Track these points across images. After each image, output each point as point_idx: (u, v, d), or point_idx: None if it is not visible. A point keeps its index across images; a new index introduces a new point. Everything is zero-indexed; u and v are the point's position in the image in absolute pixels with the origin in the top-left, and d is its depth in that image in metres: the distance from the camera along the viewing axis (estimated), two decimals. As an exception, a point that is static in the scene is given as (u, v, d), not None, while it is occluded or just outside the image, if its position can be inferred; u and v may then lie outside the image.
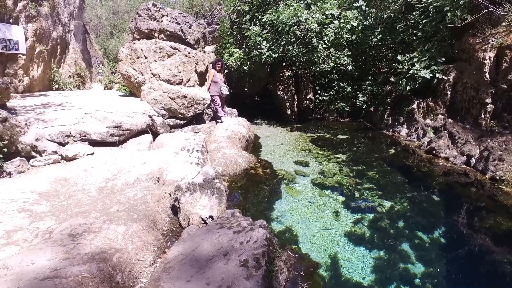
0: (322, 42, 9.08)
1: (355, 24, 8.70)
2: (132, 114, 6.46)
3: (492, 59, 6.74)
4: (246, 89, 11.63)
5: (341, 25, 8.74)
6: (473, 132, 6.50)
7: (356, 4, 9.07)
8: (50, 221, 3.10)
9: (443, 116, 7.82)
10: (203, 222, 3.33)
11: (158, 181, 4.53)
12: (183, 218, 3.53)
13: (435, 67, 7.70)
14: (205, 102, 7.57)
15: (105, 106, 6.77)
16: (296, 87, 11.44)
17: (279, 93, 11.15)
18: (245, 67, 10.13)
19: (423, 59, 7.80)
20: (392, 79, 10.24)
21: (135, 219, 3.18)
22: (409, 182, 5.83)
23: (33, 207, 3.33)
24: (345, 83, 11.10)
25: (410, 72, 7.88)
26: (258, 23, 9.80)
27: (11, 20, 8.76)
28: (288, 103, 11.05)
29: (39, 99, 7.71)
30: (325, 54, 9.56)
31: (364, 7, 9.05)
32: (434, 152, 6.66)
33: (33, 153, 4.96)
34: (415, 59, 7.89)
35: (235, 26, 10.80)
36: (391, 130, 9.05)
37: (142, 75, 7.72)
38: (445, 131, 6.77)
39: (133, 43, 8.17)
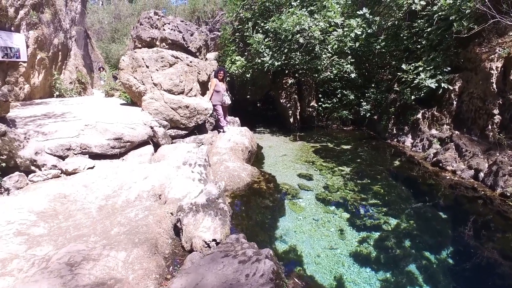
0: (325, 50, 8.97)
1: (359, 33, 8.59)
2: (133, 125, 6.36)
3: (499, 69, 6.63)
4: (248, 96, 11.53)
5: (345, 33, 8.63)
6: (481, 145, 6.38)
7: (360, 12, 8.96)
8: (48, 247, 2.99)
9: (448, 127, 7.70)
10: (206, 245, 3.22)
11: (160, 198, 4.42)
12: (185, 240, 3.41)
13: (441, 76, 7.58)
14: (207, 112, 7.47)
15: (106, 117, 6.68)
16: (299, 95, 11.34)
17: (281, 100, 11.04)
18: (247, 75, 10.03)
19: (428, 68, 7.69)
20: (396, 87, 10.14)
21: (136, 244, 3.07)
22: (415, 196, 5.72)
23: (30, 230, 3.22)
24: (349, 91, 10.99)
25: (415, 81, 7.77)
26: (260, 31, 9.71)
27: (12, 28, 8.71)
28: (291, 111, 10.94)
29: (40, 108, 7.63)
30: (329, 61, 9.46)
31: (368, 15, 8.95)
32: (440, 164, 6.53)
33: (32, 168, 4.85)
34: (420, 68, 7.79)
35: (237, 34, 10.72)
36: (395, 140, 8.93)
37: (144, 84, 7.62)
38: (452, 143, 6.64)
39: (135, 52, 8.08)
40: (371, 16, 8.92)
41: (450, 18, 7.31)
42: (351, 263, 3.68)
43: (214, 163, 5.96)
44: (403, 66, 8.00)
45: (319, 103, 11.62)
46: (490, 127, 6.57)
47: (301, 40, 8.83)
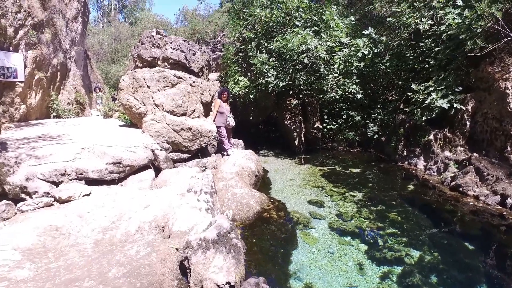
0: (332, 70, 8.76)
1: (366, 52, 8.41)
2: (133, 149, 5.97)
3: (515, 89, 6.39)
4: (251, 117, 11.23)
5: (351, 53, 8.45)
6: (503, 168, 6.02)
7: (366, 32, 8.83)
8: (33, 295, 2.53)
9: (463, 148, 7.38)
10: (218, 290, 2.77)
11: (163, 230, 3.97)
12: (194, 283, 2.96)
13: (452, 97, 7.33)
14: (211, 135, 7.11)
15: (104, 139, 6.29)
16: (303, 116, 11.05)
17: (286, 122, 10.73)
18: (250, 96, 9.76)
19: (439, 88, 7.45)
20: (402, 107, 9.90)
21: (138, 289, 2.62)
22: (435, 224, 5.31)
23: (12, 274, 2.76)
24: (354, 112, 10.72)
25: (426, 101, 7.50)
26: (264, 51, 9.53)
27: (10, 48, 8.49)
28: (295, 133, 10.61)
29: (34, 130, 7.25)
30: (334, 82, 9.24)
31: (374, 35, 8.81)
32: (460, 189, 6.14)
33: (23, 195, 4.42)
34: (431, 88, 7.54)
35: (240, 54, 10.54)
36: (406, 162, 8.56)
37: (145, 105, 7.30)
38: (471, 166, 6.27)
39: (135, 72, 7.81)
40: (377, 36, 8.77)
41: (460, 37, 7.14)
42: (373, 304, 3.26)
43: (220, 189, 5.54)
44: (413, 86, 7.76)
45: (324, 125, 11.33)
46: (509, 149, 6.25)
47: (305, 61, 8.63)
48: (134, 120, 7.93)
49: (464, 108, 7.41)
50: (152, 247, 3.30)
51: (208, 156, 7.57)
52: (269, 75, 8.97)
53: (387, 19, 9.39)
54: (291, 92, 10.73)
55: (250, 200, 5.21)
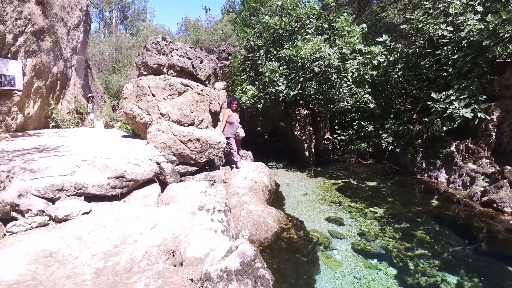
0: (345, 78, 8.34)
1: (382, 60, 8.02)
2: (137, 161, 5.48)
3: (547, 97, 5.97)
4: (259, 128, 10.77)
5: (366, 60, 8.05)
6: (540, 182, 5.55)
7: (380, 39, 8.46)
8: None
9: (488, 160, 6.91)
10: (246, 337, 2.25)
11: (174, 256, 3.46)
12: (214, 326, 2.44)
13: (476, 106, 6.90)
14: (220, 146, 6.62)
15: (105, 151, 5.81)
16: (313, 126, 10.58)
17: (296, 133, 10.25)
18: (259, 105, 9.33)
19: (462, 97, 7.02)
20: (416, 117, 9.47)
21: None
22: (469, 244, 4.83)
23: (-5, 317, 2.24)
24: (367, 122, 10.27)
25: (447, 111, 7.06)
26: (273, 59, 9.15)
27: (9, 55, 8.13)
28: (306, 144, 10.11)
29: (31, 140, 6.77)
30: (346, 91, 8.82)
31: (389, 42, 8.44)
32: (494, 205, 5.63)
33: (14, 214, 3.94)
34: (453, 97, 7.11)
35: (248, 62, 10.15)
36: (425, 175, 8.07)
37: (149, 114, 6.85)
38: (505, 180, 5.76)
39: (139, 79, 7.40)
40: (392, 43, 8.40)
41: (484, 43, 6.76)
42: None
43: (233, 206, 5.02)
44: (433, 95, 7.32)
45: (334, 135, 10.87)
46: (543, 161, 5.79)
47: (316, 69, 8.23)
48: (137, 131, 7.47)
49: (488, 118, 6.97)
50: (163, 279, 2.79)
51: (217, 169, 7.07)
52: (279, 83, 8.55)
53: (401, 26, 9.06)
54: (300, 102, 10.29)
55: (268, 219, 4.69)
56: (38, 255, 3.20)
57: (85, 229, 3.86)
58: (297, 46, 8.12)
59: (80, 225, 3.94)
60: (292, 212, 5.93)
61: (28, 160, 4.98)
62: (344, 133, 10.61)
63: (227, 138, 7.08)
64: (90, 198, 4.68)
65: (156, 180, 5.68)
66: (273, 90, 8.73)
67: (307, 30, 8.88)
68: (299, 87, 8.72)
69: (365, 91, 9.11)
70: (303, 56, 8.00)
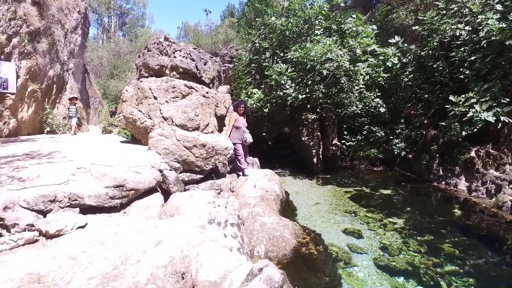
0: (356, 81, 7.93)
1: (395, 62, 7.62)
2: (138, 169, 5.01)
3: None
4: (264, 133, 10.31)
5: (379, 62, 7.66)
6: None
7: (393, 40, 8.08)
8: None
9: (512, 167, 6.48)
10: None
11: (183, 278, 2.97)
12: None
13: (498, 109, 6.49)
14: (227, 152, 6.16)
15: (103, 158, 5.33)
16: (321, 132, 10.13)
17: (303, 138, 9.78)
18: (265, 110, 8.89)
19: (483, 100, 6.61)
20: (428, 122, 9.08)
21: None
22: (505, 259, 4.37)
23: None
24: (377, 127, 9.83)
25: (468, 115, 6.64)
26: (279, 61, 8.74)
27: (2, 56, 7.69)
28: (314, 150, 9.64)
29: (23, 146, 6.29)
30: (357, 94, 8.41)
31: (401, 44, 8.07)
32: (528, 216, 5.20)
33: (-2, 229, 3.44)
34: (473, 100, 6.70)
35: (253, 65, 9.74)
36: (443, 182, 7.62)
37: (151, 118, 6.40)
38: (537, 189, 5.37)
39: (140, 81, 6.95)
40: (405, 45, 8.02)
41: (507, 43, 6.38)
42: None
43: (245, 218, 4.54)
44: (451, 98, 6.91)
45: (342, 141, 10.43)
46: None
47: (324, 72, 7.82)
48: (137, 136, 7.00)
49: (512, 122, 6.56)
50: (173, 312, 2.31)
51: (222, 176, 6.59)
52: (287, 86, 8.12)
53: (413, 28, 8.71)
54: (308, 106, 9.85)
55: (284, 232, 4.21)
56: (23, 281, 2.71)
57: (80, 246, 3.37)
58: (306, 48, 7.72)
59: (74, 242, 3.45)
60: (306, 223, 5.46)
61: (17, 167, 4.50)
62: (353, 139, 10.18)
63: (233, 144, 6.63)
64: (86, 210, 4.19)
65: (159, 189, 5.20)
66: (280, 93, 8.31)
67: (316, 32, 8.49)
68: (307, 90, 8.30)
69: (375, 95, 8.72)
70: (313, 57, 7.59)
